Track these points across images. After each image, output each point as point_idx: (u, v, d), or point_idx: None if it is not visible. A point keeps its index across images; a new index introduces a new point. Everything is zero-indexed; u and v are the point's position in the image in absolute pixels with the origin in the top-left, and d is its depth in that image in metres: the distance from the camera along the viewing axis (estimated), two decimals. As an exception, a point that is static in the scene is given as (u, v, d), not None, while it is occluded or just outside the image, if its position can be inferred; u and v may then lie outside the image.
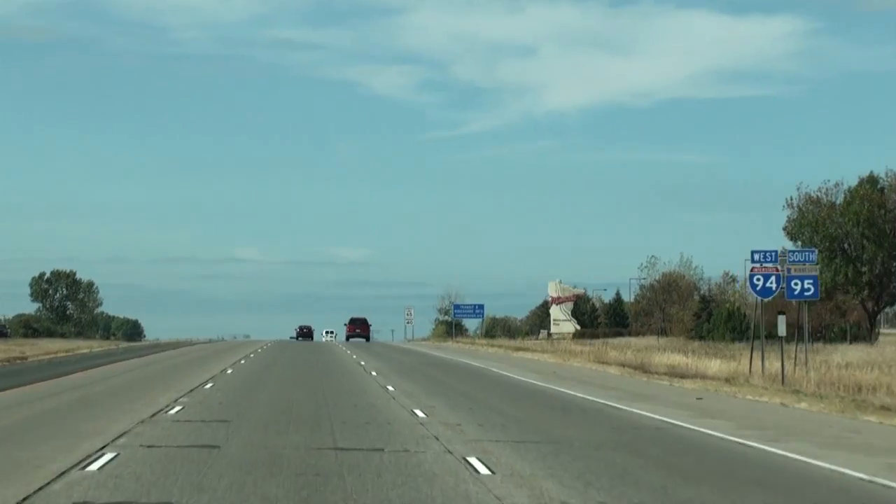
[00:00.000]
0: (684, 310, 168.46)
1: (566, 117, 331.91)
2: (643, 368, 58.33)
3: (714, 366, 54.58)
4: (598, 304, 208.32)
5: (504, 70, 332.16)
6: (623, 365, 61.17)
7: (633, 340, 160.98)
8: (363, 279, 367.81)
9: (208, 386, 43.16)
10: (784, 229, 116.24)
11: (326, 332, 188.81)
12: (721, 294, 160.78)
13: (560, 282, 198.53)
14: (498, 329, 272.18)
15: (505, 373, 54.74)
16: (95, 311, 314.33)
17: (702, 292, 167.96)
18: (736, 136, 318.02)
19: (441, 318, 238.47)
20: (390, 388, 42.43)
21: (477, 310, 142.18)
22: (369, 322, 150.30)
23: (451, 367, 60.25)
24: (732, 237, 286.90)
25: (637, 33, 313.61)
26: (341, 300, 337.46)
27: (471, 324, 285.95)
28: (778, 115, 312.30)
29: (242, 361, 65.37)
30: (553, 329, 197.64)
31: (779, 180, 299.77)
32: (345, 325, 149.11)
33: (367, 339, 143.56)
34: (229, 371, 54.53)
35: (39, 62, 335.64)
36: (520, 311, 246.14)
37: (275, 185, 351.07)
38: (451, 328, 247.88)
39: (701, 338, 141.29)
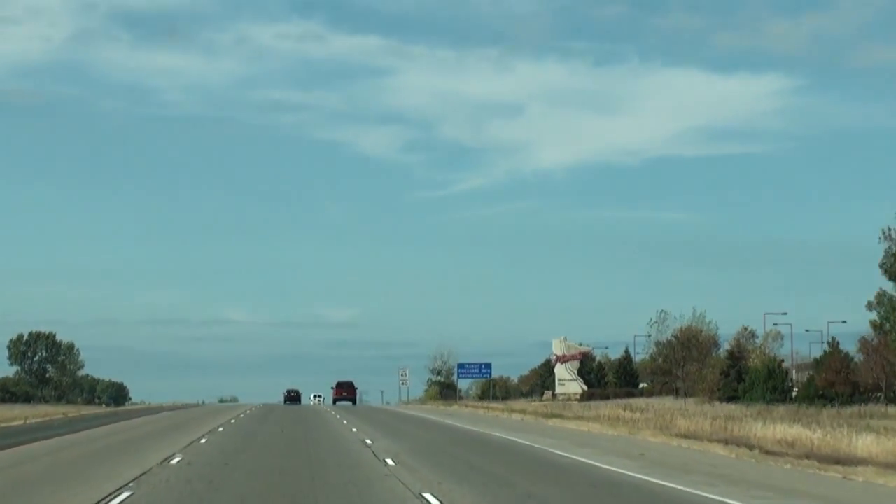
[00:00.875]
0: (704, 367, 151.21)
1: (553, 176, 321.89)
2: (754, 446, 41.04)
3: (864, 444, 37.21)
4: (604, 363, 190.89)
5: (490, 129, 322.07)
6: (720, 441, 43.94)
7: (653, 402, 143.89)
8: (351, 340, 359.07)
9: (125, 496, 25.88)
10: (881, 266, 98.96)
11: (314, 396, 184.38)
12: (741, 351, 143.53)
13: (565, 339, 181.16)
14: (494, 391, 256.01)
15: (579, 458, 37.26)
16: (78, 374, 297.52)
17: (727, 348, 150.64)
18: (724, 193, 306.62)
19: (434, 378, 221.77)
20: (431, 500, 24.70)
21: (483, 369, 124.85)
22: (356, 385, 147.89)
23: (492, 447, 42.39)
24: (728, 294, 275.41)
25: (624, 92, 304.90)
26: (329, 361, 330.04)
27: (463, 384, 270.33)
28: (766, 173, 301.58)
29: (203, 440, 47.94)
30: (558, 389, 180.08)
31: (770, 237, 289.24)
32: (332, 388, 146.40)
33: (354, 402, 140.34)
34: (175, 460, 37.07)
35: (26, 124, 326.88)
36: (512, 371, 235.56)
37: (263, 245, 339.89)
38: (443, 389, 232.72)
39: (730, 399, 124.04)
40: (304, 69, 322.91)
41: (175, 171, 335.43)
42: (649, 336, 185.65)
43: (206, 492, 25.40)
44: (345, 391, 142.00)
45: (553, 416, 72.30)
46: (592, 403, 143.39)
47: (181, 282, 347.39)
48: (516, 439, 48.11)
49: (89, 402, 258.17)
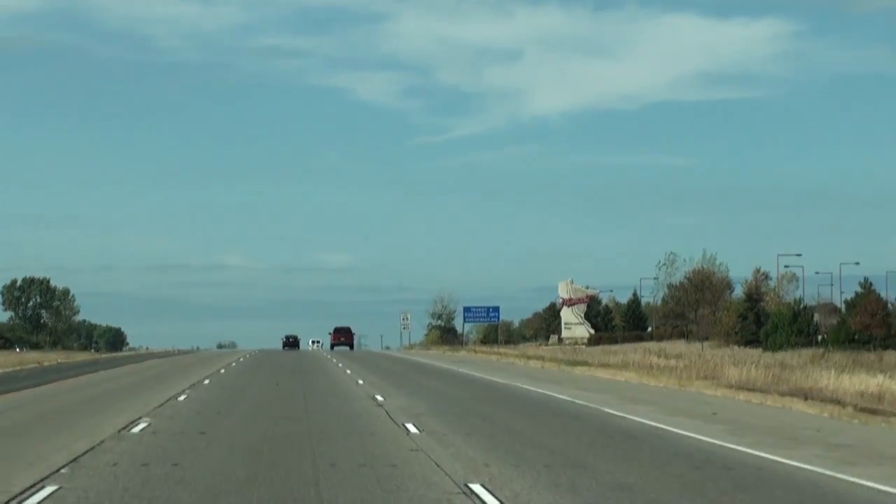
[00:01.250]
0: (718, 311, 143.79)
1: (551, 121, 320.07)
2: (842, 402, 33.45)
3: None
4: (611, 307, 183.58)
5: (489, 75, 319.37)
6: (786, 394, 36.39)
7: (665, 346, 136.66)
8: (349, 285, 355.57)
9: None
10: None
11: (313, 342, 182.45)
12: (759, 293, 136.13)
13: (572, 282, 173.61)
14: (495, 335, 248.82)
15: (644, 420, 29.50)
16: (73, 320, 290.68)
17: (743, 291, 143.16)
18: (723, 138, 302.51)
19: (434, 322, 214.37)
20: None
21: (491, 313, 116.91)
22: (353, 331, 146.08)
23: (530, 405, 34.59)
24: (732, 238, 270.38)
25: (622, 37, 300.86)
26: (328, 306, 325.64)
27: (462, 327, 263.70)
28: (764, 117, 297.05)
29: (182, 397, 40.27)
30: (564, 333, 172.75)
31: (771, 181, 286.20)
32: (329, 333, 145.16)
33: (352, 347, 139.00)
34: (138, 427, 29.37)
35: (22, 70, 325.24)
36: (513, 316, 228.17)
37: (261, 191, 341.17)
38: (444, 334, 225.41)
39: (748, 343, 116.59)
40: (302, 15, 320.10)
41: (173, 117, 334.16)
42: (657, 279, 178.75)
43: (164, 484, 17.77)
44: (342, 336, 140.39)
45: (576, 363, 64.75)
46: (605, 348, 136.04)
47: (180, 228, 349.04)
48: (552, 393, 40.52)
49: (85, 348, 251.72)
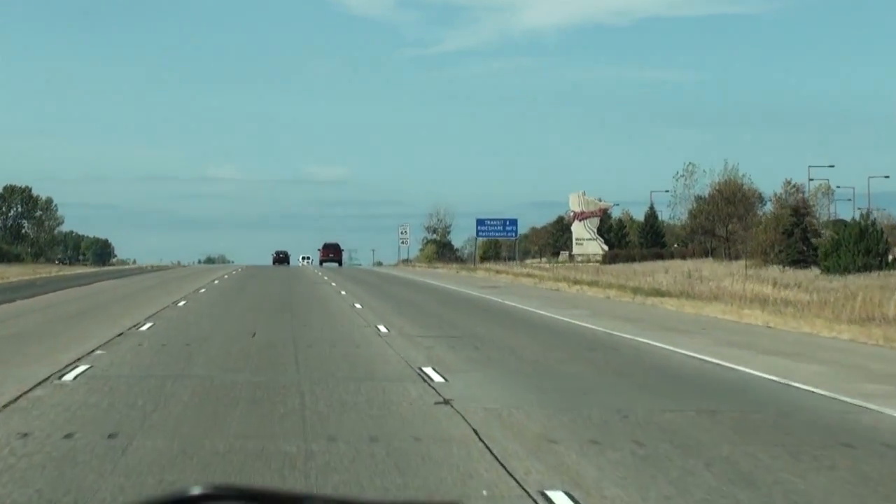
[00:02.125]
0: (747, 226, 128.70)
1: (544, 35, 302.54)
2: None
3: None
4: (625, 221, 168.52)
5: None
6: None
7: (701, 265, 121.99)
8: (341, 198, 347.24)
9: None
10: None
11: (303, 258, 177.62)
12: (806, 207, 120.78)
13: (584, 193, 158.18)
14: (494, 250, 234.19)
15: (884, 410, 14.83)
16: (57, 231, 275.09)
17: (773, 205, 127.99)
18: (717, 53, 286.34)
19: (430, 237, 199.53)
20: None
21: (508, 226, 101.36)
22: (342, 247, 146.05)
23: (688, 383, 18.79)
24: (730, 153, 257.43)
25: None
26: (319, 219, 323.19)
27: (458, 240, 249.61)
28: (758, 32, 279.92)
29: (144, 327, 25.46)
30: (576, 249, 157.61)
31: (762, 97, 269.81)
32: (318, 250, 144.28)
33: (340, 263, 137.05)
34: (70, 375, 14.51)
35: None
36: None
37: (250, 102, 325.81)
38: (440, 249, 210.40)
39: (795, 263, 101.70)
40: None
41: (161, 26, 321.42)
42: (672, 192, 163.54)
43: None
44: (331, 252, 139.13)
45: (645, 291, 49.43)
46: (627, 267, 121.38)
47: (170, 139, 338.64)
48: (636, 338, 26.03)
49: (64, 262, 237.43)
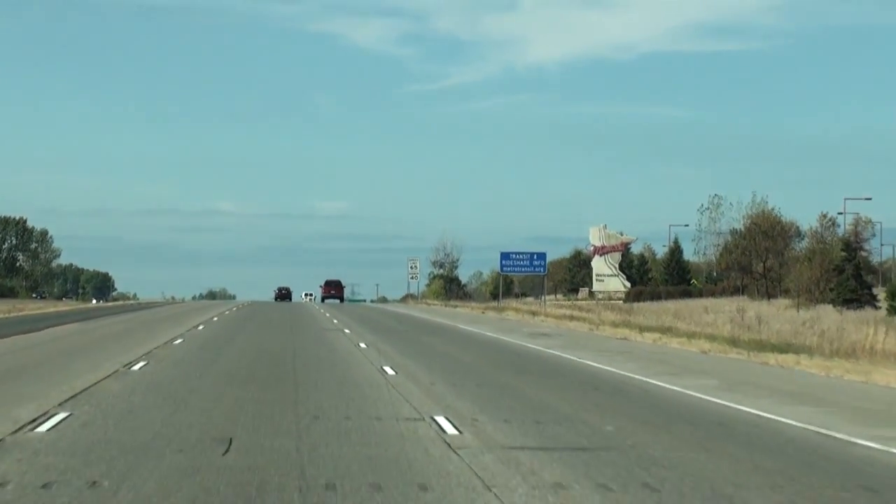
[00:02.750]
0: (784, 262, 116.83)
1: (547, 70, 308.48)
2: None
3: None
4: (646, 256, 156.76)
5: (485, 23, 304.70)
6: None
7: (725, 303, 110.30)
8: (343, 232, 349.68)
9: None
10: None
11: (306, 294, 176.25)
12: (858, 241, 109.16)
13: (605, 227, 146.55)
14: (506, 287, 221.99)
15: None
16: (55, 263, 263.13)
17: (809, 239, 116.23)
18: (718, 89, 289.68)
19: (436, 271, 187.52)
20: None
21: (535, 260, 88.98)
22: (343, 283, 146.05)
23: None
24: (731, 188, 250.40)
25: None
26: (321, 253, 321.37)
27: (464, 276, 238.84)
28: (758, 70, 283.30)
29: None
30: (596, 286, 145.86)
31: (763, 133, 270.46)
32: (320, 286, 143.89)
33: (342, 300, 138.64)
34: None
35: (16, 10, 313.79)
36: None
37: (255, 137, 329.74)
38: (448, 284, 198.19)
39: (848, 302, 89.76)
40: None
41: (168, 60, 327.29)
42: (696, 225, 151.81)
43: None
44: (333, 289, 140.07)
45: (773, 347, 37.13)
46: (659, 306, 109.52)
47: (173, 172, 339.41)
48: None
49: (57, 298, 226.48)
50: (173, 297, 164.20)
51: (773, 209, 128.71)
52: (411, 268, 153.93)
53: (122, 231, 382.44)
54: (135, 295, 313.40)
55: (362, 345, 37.88)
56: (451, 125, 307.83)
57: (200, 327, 49.18)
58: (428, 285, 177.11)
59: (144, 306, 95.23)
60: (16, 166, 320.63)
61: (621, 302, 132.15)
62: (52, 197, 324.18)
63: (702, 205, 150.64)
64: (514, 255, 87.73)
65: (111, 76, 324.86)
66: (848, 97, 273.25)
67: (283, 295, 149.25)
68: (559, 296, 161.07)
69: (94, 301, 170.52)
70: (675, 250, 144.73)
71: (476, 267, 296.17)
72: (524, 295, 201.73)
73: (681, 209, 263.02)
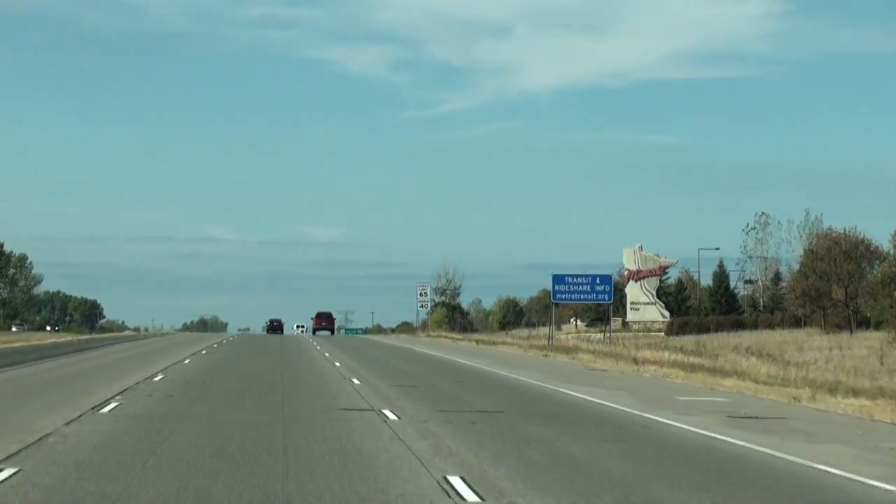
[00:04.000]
0: (862, 287, 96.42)
1: (540, 97, 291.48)
2: None
3: None
4: (685, 282, 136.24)
5: (478, 50, 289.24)
6: None
7: (802, 337, 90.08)
8: (337, 260, 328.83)
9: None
10: None
11: (297, 326, 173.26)
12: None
13: (640, 248, 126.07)
14: (513, 314, 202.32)
15: None
16: (38, 290, 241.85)
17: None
18: (710, 117, 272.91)
19: (438, 299, 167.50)
20: None
21: (598, 284, 66.91)
22: (334, 316, 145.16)
23: None
24: (723, 216, 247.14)
25: (612, 14, 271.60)
26: (315, 280, 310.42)
27: (490, 300, 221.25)
28: (752, 97, 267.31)
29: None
30: (630, 316, 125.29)
31: (755, 162, 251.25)
32: (311, 318, 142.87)
33: (332, 331, 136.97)
34: None
35: (9, 37, 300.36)
36: (516, 293, 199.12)
37: (249, 164, 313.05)
38: (451, 312, 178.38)
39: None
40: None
41: (162, 87, 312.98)
42: (742, 247, 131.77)
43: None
44: (324, 321, 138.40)
45: None
46: (719, 339, 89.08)
47: (166, 199, 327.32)
48: None
49: (38, 327, 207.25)
50: (146, 329, 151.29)
51: (827, 228, 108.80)
52: (420, 294, 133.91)
53: (113, 257, 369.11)
54: (123, 322, 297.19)
55: (389, 414, 21.41)
56: (444, 152, 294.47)
57: (157, 379, 29.43)
58: (430, 314, 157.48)
59: (121, 338, 76.05)
60: (2, 192, 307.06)
61: (662, 334, 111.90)
62: (42, 223, 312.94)
63: (747, 224, 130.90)
64: (570, 280, 66.28)
65: (103, 102, 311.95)
66: (842, 123, 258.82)
67: (275, 327, 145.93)
68: (578, 324, 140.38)
69: (48, 329, 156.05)
70: (721, 275, 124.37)
71: (472, 294, 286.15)
72: (532, 324, 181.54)
73: (680, 236, 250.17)
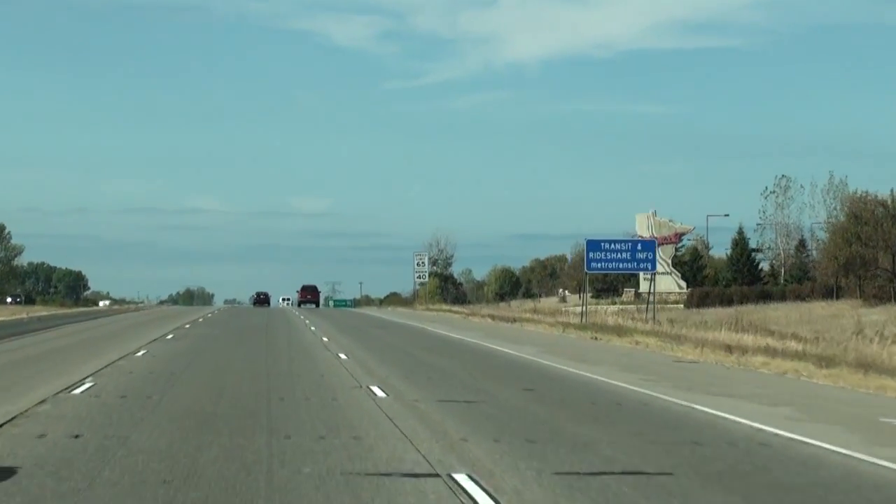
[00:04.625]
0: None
1: (527, 68, 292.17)
2: None
3: None
4: (700, 251, 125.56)
5: (464, 20, 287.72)
6: None
7: (845, 309, 79.93)
8: (325, 230, 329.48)
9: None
10: None
11: (283, 299, 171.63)
12: None
13: (654, 213, 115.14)
14: (510, 285, 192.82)
15: None
16: (19, 262, 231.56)
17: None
18: (697, 87, 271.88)
19: (431, 269, 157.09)
20: None
21: (640, 252, 55.67)
22: (319, 289, 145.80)
23: None
24: (708, 185, 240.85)
25: None
26: (303, 251, 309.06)
27: (480, 272, 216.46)
28: (739, 67, 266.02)
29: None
30: (643, 287, 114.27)
31: (744, 132, 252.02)
32: (297, 291, 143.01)
33: (317, 304, 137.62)
34: None
35: None
36: (509, 262, 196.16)
37: (235, 134, 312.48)
38: (443, 283, 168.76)
39: None
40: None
41: (147, 58, 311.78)
42: (760, 213, 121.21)
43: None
44: (309, 294, 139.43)
45: None
46: (759, 311, 78.28)
47: (152, 170, 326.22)
48: None
49: (18, 301, 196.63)
50: (129, 301, 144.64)
51: (854, 191, 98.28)
52: (418, 265, 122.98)
53: (99, 229, 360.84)
54: (108, 293, 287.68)
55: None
56: (432, 123, 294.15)
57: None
58: (422, 284, 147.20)
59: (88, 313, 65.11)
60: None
61: (681, 306, 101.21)
62: (27, 195, 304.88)
63: (766, 188, 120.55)
64: (605, 245, 55.26)
65: (89, 73, 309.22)
66: (818, 95, 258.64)
67: (262, 300, 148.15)
68: (578, 296, 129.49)
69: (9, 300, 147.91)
70: (741, 242, 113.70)
71: (462, 265, 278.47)
72: (531, 295, 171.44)
73: (673, 205, 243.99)
